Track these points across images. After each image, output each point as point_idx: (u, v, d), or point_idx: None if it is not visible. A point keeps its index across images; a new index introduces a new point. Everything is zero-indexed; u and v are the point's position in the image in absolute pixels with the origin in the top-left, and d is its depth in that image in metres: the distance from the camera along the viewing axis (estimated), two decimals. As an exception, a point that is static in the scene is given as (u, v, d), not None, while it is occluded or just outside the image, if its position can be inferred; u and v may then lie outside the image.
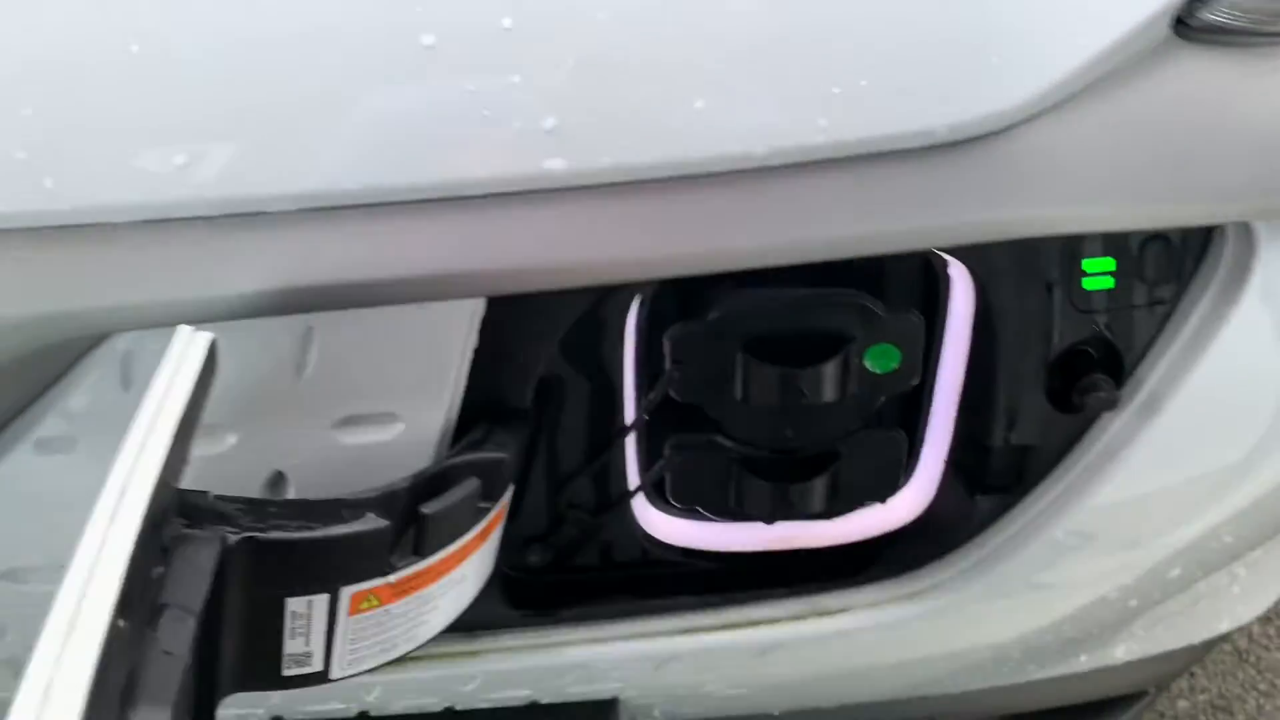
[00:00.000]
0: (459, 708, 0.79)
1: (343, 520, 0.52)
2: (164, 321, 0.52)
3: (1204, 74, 0.55)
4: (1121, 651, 0.96)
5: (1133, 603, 0.84)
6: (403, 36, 0.48)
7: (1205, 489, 0.69)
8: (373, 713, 0.79)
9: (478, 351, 0.58)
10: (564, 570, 0.72)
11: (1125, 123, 0.54)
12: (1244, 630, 1.77)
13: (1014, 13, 0.51)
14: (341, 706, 0.77)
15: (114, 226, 0.49)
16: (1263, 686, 1.71)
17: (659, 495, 0.71)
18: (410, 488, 0.55)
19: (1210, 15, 0.55)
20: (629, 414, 0.67)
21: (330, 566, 0.52)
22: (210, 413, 0.55)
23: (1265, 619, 1.78)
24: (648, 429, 0.68)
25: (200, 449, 0.57)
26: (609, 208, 0.51)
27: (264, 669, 0.54)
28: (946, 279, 0.64)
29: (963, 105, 0.51)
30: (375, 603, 0.55)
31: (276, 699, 0.75)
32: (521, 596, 0.72)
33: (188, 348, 0.47)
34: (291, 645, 0.54)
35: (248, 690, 0.55)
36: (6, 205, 0.48)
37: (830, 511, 0.70)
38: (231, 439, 0.57)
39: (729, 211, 0.52)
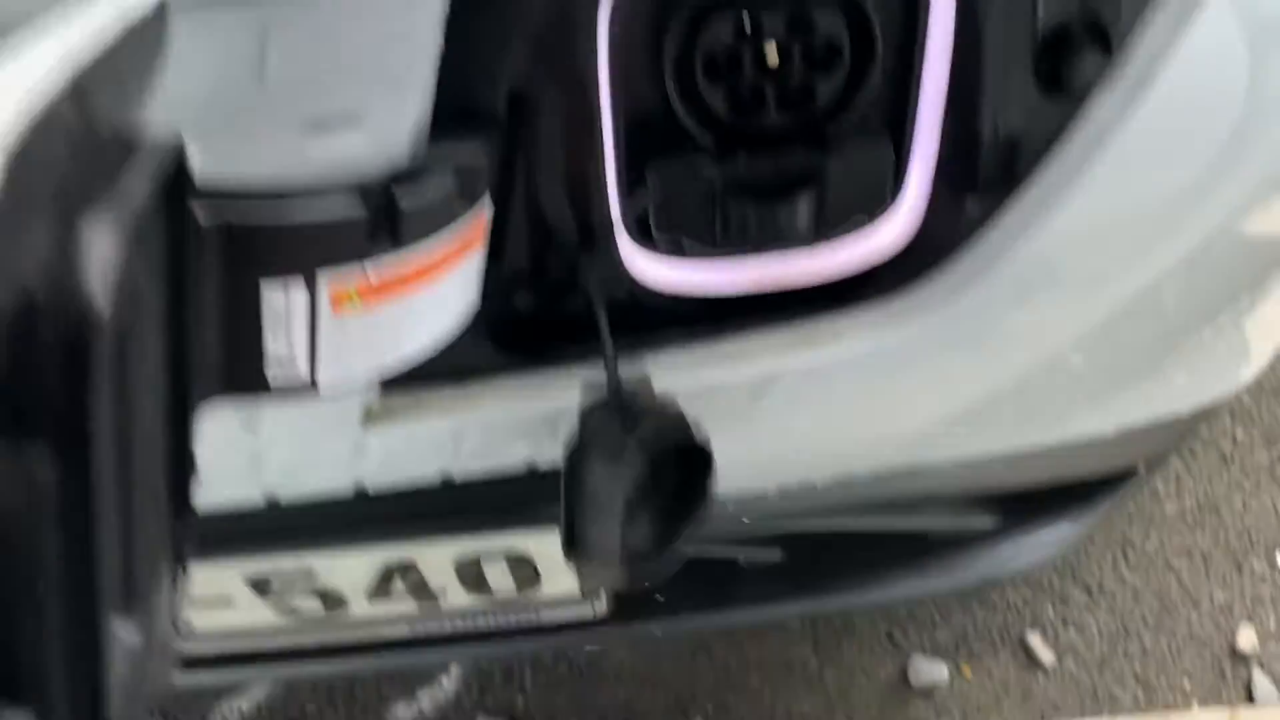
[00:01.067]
0: (457, 479, 0.79)
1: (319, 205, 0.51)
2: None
3: None
4: (1108, 420, 0.96)
5: (1103, 355, 0.83)
6: None
7: (1165, 217, 0.69)
8: (371, 488, 0.78)
9: (445, 54, 0.56)
10: (552, 313, 0.70)
11: None
12: (1227, 434, 1.80)
13: None
14: (336, 478, 0.76)
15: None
16: (1248, 486, 1.74)
17: (644, 235, 0.70)
18: (386, 181, 0.53)
19: None
20: (606, 133, 0.65)
21: (306, 247, 0.51)
22: (171, 110, 0.54)
23: (1247, 423, 1.81)
24: (628, 159, 0.67)
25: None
26: None
27: (246, 369, 0.53)
28: (927, -33, 0.62)
29: None
30: (356, 302, 0.54)
31: (271, 474, 0.75)
32: (510, 340, 0.71)
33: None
34: (274, 344, 0.53)
35: (233, 393, 0.54)
36: None
37: (818, 233, 0.68)
38: (194, 148, 0.55)
39: None
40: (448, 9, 0.54)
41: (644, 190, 0.68)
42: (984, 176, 0.66)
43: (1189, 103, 0.63)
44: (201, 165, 0.54)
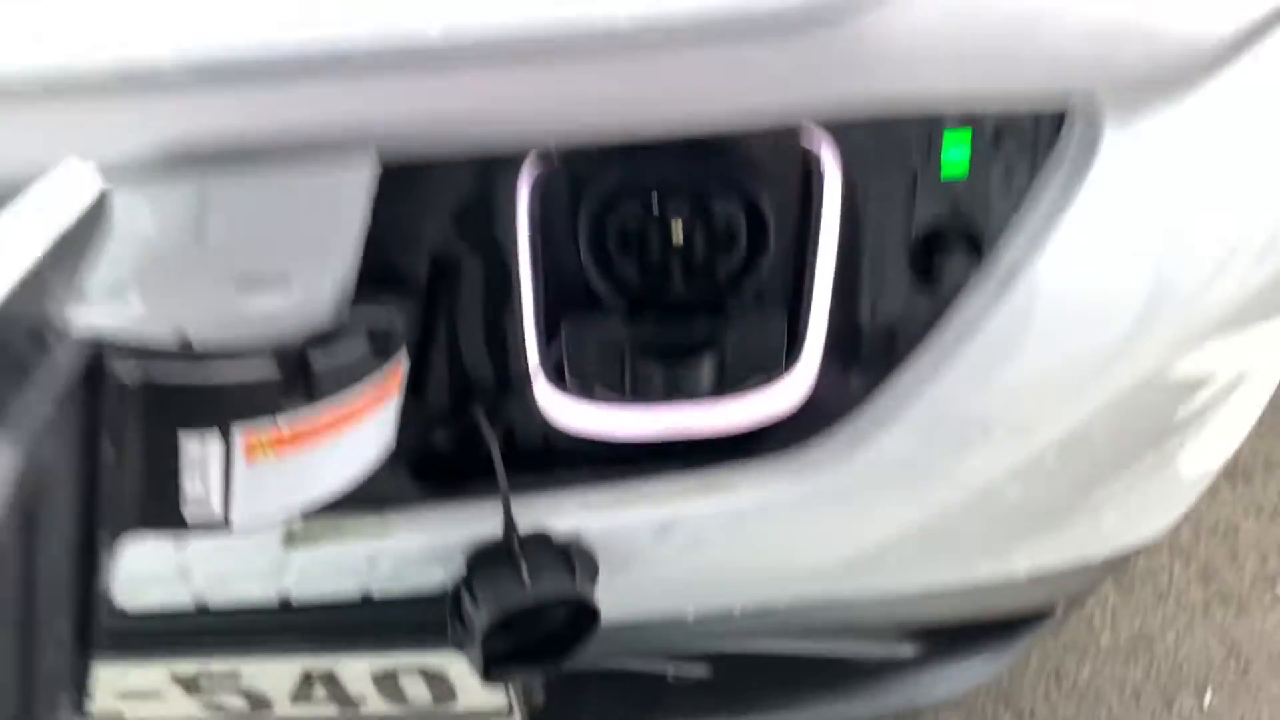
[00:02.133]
0: (376, 596, 0.83)
1: (237, 365, 0.56)
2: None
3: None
4: (1023, 562, 1.01)
5: (1014, 499, 0.88)
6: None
7: (1061, 382, 0.74)
8: (294, 600, 0.83)
9: (373, 222, 0.62)
10: (469, 449, 0.76)
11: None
12: (1165, 569, 1.84)
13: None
14: (261, 590, 0.81)
15: None
16: (1181, 623, 1.77)
17: (559, 378, 0.76)
18: (303, 343, 0.59)
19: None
20: (525, 293, 0.71)
21: (224, 406, 0.56)
22: (113, 269, 0.59)
23: (1185, 560, 1.85)
24: (546, 313, 0.72)
25: (105, 312, 0.61)
26: (483, 77, 0.55)
27: (164, 507, 0.58)
28: (819, 163, 0.69)
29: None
30: (269, 452, 0.59)
31: (199, 579, 0.79)
32: (427, 472, 0.77)
33: (70, 178, 0.49)
34: (191, 488, 0.58)
35: (150, 529, 0.58)
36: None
37: (717, 391, 0.74)
38: (135, 300, 0.61)
39: (599, 83, 0.56)
40: (375, 185, 0.61)
41: (560, 341, 0.73)
42: (866, 354, 0.72)
43: (1067, 291, 0.69)
44: (134, 318, 0.60)
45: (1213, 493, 1.92)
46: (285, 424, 0.59)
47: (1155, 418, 0.88)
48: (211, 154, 0.55)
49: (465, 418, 0.75)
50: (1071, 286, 0.69)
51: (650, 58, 0.56)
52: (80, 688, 0.51)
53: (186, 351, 0.56)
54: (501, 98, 0.56)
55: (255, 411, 0.57)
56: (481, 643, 0.73)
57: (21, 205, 0.45)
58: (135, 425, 0.54)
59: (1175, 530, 1.96)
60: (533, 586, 0.73)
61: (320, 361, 0.58)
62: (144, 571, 0.78)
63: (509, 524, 0.74)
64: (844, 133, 0.66)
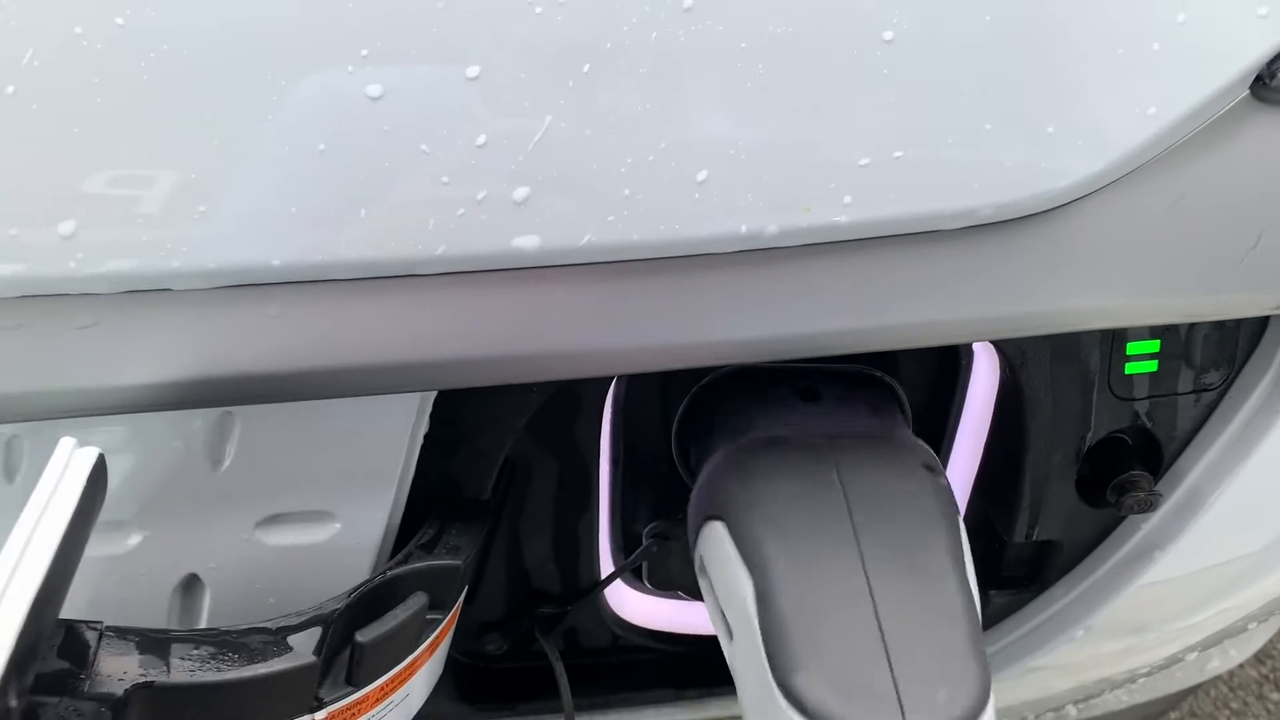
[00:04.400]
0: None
1: (261, 654, 0.44)
2: (47, 414, 0.43)
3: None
4: (1122, 698, 0.92)
5: (1143, 673, 0.78)
6: (345, 85, 0.39)
7: (1233, 581, 0.63)
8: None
9: (429, 436, 0.49)
10: (524, 658, 0.64)
11: (1195, 196, 0.46)
12: (1219, 648, 1.74)
13: (1076, 76, 0.43)
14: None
15: (-16, 303, 0.40)
16: (1235, 705, 1.67)
17: (635, 577, 0.64)
18: (345, 607, 0.46)
19: (1295, 75, 0.47)
20: (603, 495, 0.59)
21: (246, 709, 0.44)
22: (113, 509, 0.47)
23: (1240, 638, 1.75)
24: (623, 510, 0.60)
25: (104, 548, 0.48)
26: (589, 292, 0.43)
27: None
28: (969, 352, 0.56)
29: (1013, 182, 0.43)
30: (302, 742, 0.47)
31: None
32: (476, 688, 0.64)
33: (69, 464, 0.38)
34: (202, 793, 0.46)
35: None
36: None
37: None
38: (137, 537, 0.48)
39: (731, 300, 0.44)
40: (431, 404, 0.48)
41: (640, 549, 0.61)
42: (1010, 574, 0.60)
43: (1257, 512, 0.58)
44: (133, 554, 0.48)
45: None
46: (325, 712, 0.47)
47: None
48: (237, 385, 0.43)
49: (522, 627, 0.62)
50: (1263, 502, 0.57)
51: (800, 267, 0.44)
52: None
53: (199, 641, 0.43)
54: (612, 321, 0.44)
55: (286, 709, 0.45)
56: None
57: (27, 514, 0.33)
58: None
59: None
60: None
61: (369, 639, 0.46)
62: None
63: (573, 749, 0.61)
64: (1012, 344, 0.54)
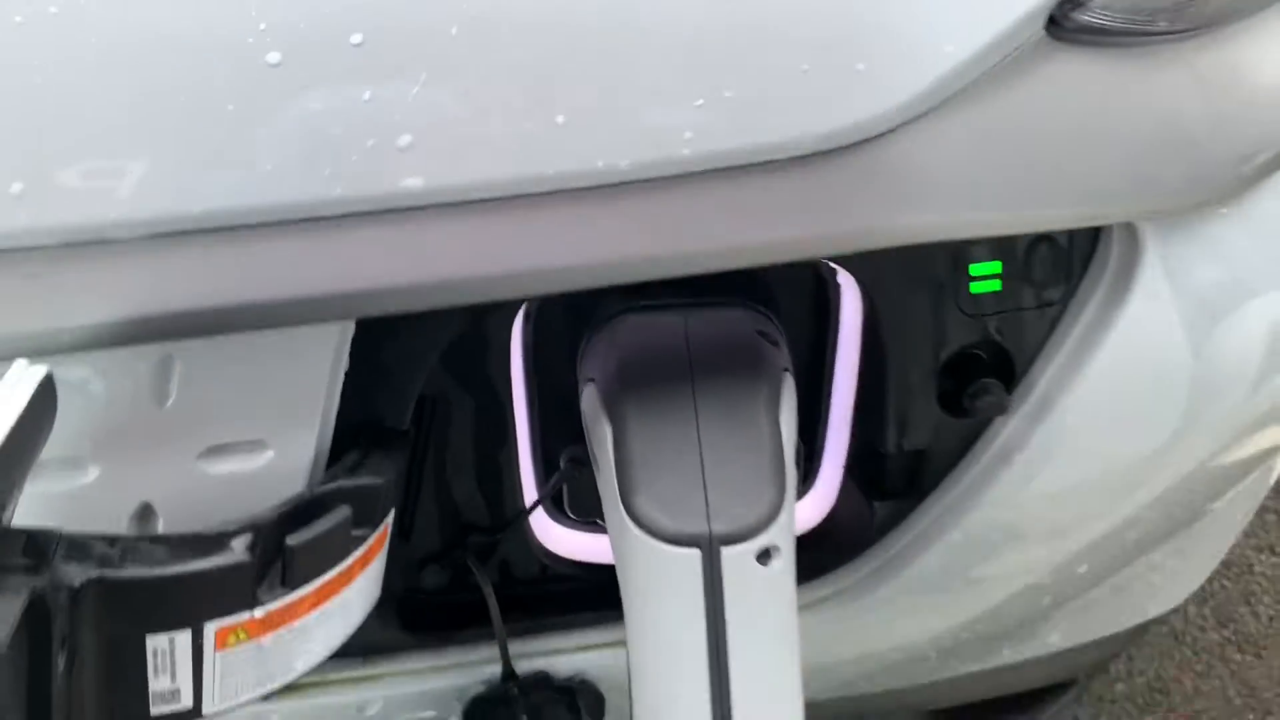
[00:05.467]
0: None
1: (203, 553, 0.50)
2: (12, 355, 0.50)
3: (1080, 75, 0.54)
4: (1049, 641, 0.96)
5: (1045, 600, 0.84)
6: (248, 53, 0.46)
7: (1100, 488, 0.69)
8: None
9: (350, 373, 0.56)
10: (460, 590, 0.70)
11: (1000, 126, 0.53)
12: (1179, 612, 1.79)
13: (880, 18, 0.50)
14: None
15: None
16: (1199, 667, 1.72)
17: (557, 508, 0.70)
18: (277, 518, 0.53)
19: (1084, 16, 0.54)
20: (520, 427, 0.65)
21: (190, 602, 0.50)
22: (69, 445, 0.54)
23: (1200, 599, 1.81)
24: (542, 440, 0.67)
25: (62, 483, 0.55)
26: (471, 225, 0.50)
27: (129, 708, 0.52)
28: (836, 287, 0.63)
29: (830, 114, 0.50)
30: (243, 637, 0.53)
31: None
32: (418, 618, 0.71)
33: (19, 379, 0.45)
34: (157, 683, 0.52)
35: (114, 730, 0.53)
36: None
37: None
38: (94, 471, 0.55)
39: (597, 227, 0.51)
40: (349, 342, 0.55)
41: (559, 474, 0.68)
42: (890, 485, 0.67)
43: (1102, 413, 0.64)
44: (92, 490, 0.55)
45: (1224, 531, 1.88)
46: (262, 610, 0.53)
47: (1192, 508, 0.84)
48: (172, 321, 0.49)
49: (457, 559, 0.69)
50: (1109, 407, 0.64)
51: (655, 199, 0.51)
52: None
53: (145, 542, 0.50)
54: (491, 249, 0.50)
55: (226, 604, 0.52)
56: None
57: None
58: (94, 629, 0.48)
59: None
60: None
61: (298, 538, 0.53)
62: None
63: (507, 668, 0.68)
64: (863, 256, 0.61)
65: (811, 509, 0.72)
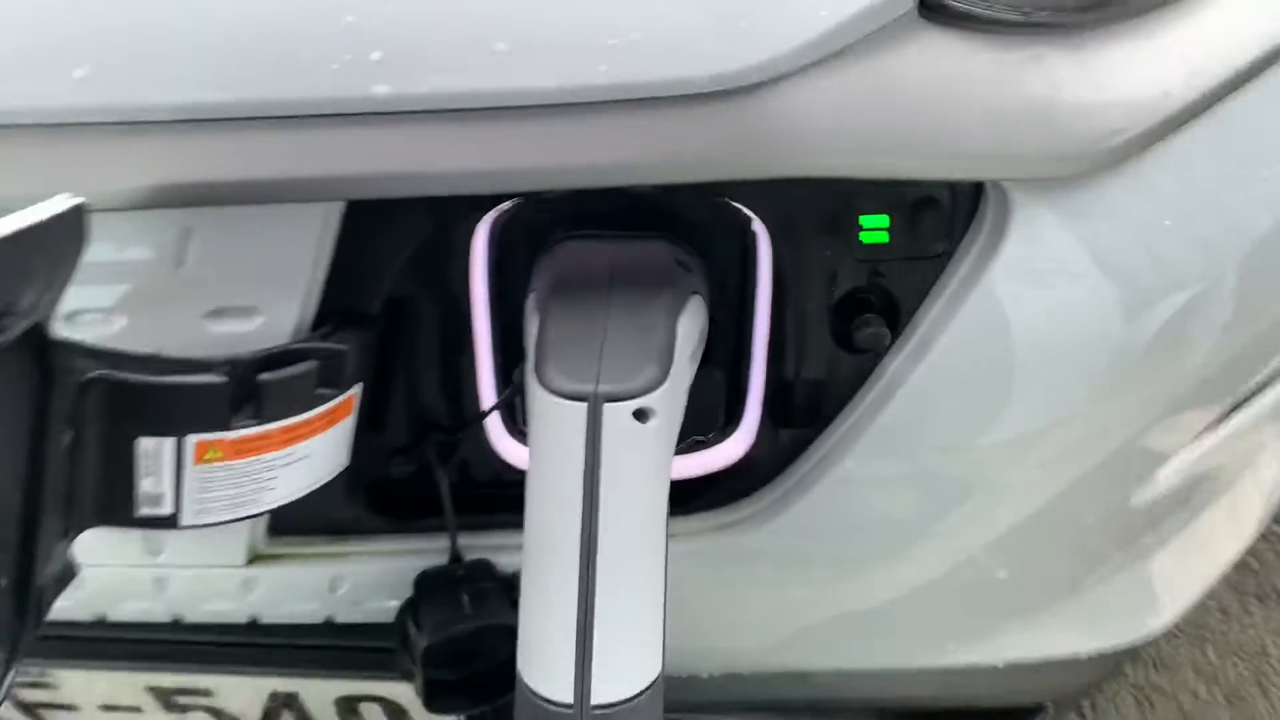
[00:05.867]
0: (339, 620, 0.89)
1: (189, 372, 0.63)
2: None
3: (945, 51, 0.65)
4: (1001, 647, 1.01)
5: (971, 580, 0.90)
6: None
7: (978, 444, 0.77)
8: (262, 620, 0.89)
9: (333, 259, 0.69)
10: (424, 484, 0.81)
11: (869, 86, 0.64)
12: (1188, 689, 1.79)
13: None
14: (231, 607, 0.86)
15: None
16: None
17: (511, 421, 0.81)
18: (254, 359, 0.65)
19: (950, 3, 0.66)
20: (481, 335, 0.77)
21: (175, 411, 0.63)
22: (103, 298, 0.67)
23: (1210, 679, 1.80)
24: (501, 356, 0.78)
25: (94, 330, 0.68)
26: (429, 129, 0.63)
27: (118, 504, 0.64)
28: (753, 236, 0.74)
29: (717, 60, 0.62)
30: (218, 454, 0.65)
31: (173, 592, 0.85)
32: (386, 505, 0.82)
33: (53, 203, 0.57)
34: (144, 485, 0.64)
35: (104, 524, 0.65)
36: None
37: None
38: (120, 322, 0.68)
39: (528, 138, 0.63)
40: (339, 230, 0.68)
41: (511, 387, 0.79)
42: (794, 416, 0.77)
43: (976, 357, 0.73)
44: (114, 338, 0.68)
45: (1241, 614, 1.88)
46: (234, 433, 0.65)
47: (1109, 500, 0.90)
48: (193, 193, 0.63)
49: (421, 454, 0.80)
50: (979, 352, 0.73)
51: (581, 119, 0.63)
52: (14, 649, 0.57)
53: (145, 358, 0.63)
54: (445, 150, 0.63)
55: (206, 419, 0.64)
56: (422, 665, 0.78)
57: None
58: (94, 421, 0.61)
59: (1200, 650, 1.89)
60: (472, 612, 0.77)
61: (269, 378, 0.65)
62: (122, 584, 0.84)
63: (454, 552, 0.79)
64: (772, 207, 0.72)
65: (736, 445, 0.81)
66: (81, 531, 0.64)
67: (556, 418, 0.61)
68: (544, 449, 0.62)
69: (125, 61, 0.61)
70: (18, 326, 0.51)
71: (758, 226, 0.73)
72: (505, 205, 0.73)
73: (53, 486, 0.58)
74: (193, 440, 0.64)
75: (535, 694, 0.60)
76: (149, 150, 0.62)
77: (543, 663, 0.60)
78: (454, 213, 0.72)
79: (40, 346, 0.56)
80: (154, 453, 0.64)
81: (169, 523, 0.66)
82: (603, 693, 0.59)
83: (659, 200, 0.73)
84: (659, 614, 0.62)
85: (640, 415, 0.61)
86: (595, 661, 0.58)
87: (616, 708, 0.59)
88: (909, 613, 0.95)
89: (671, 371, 0.63)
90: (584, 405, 0.60)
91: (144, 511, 0.65)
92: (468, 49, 0.61)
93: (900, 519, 0.82)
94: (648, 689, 0.60)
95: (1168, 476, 0.92)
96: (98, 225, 0.65)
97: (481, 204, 0.73)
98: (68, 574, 0.65)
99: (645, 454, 0.61)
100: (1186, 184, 0.71)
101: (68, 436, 0.59)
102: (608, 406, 0.60)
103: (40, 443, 0.56)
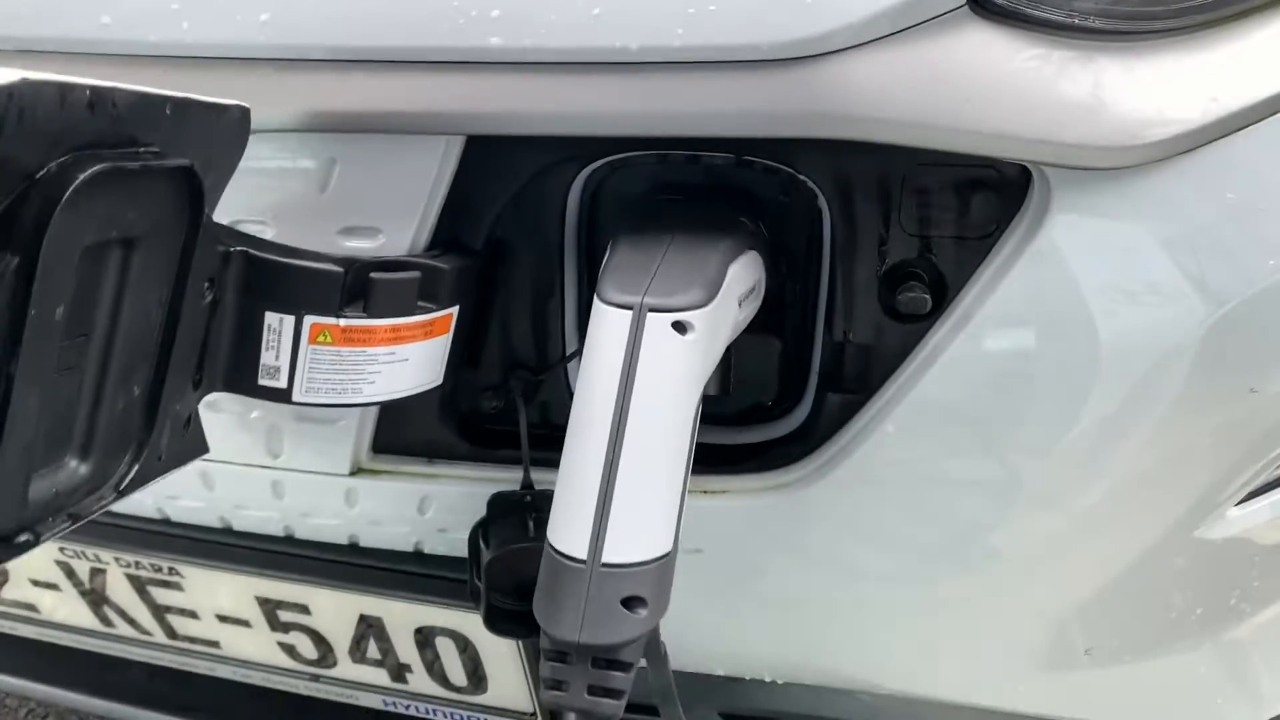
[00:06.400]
0: (425, 550, 0.98)
1: (313, 260, 0.75)
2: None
3: (990, 43, 0.73)
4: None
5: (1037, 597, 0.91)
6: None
7: (1017, 434, 0.81)
8: (360, 542, 0.99)
9: (447, 198, 0.81)
10: (510, 419, 0.91)
11: (920, 66, 0.72)
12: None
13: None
14: (335, 524, 0.97)
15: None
16: None
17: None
18: (369, 261, 0.77)
19: (999, 1, 0.74)
20: (569, 288, 0.87)
21: (298, 291, 0.75)
22: (262, 212, 0.81)
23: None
24: (588, 302, 0.88)
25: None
26: (531, 76, 0.74)
27: (244, 372, 0.76)
28: (818, 210, 0.82)
29: (779, 32, 0.71)
30: (329, 339, 0.77)
31: (287, 501, 0.97)
32: (474, 435, 0.92)
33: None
34: (266, 356, 0.77)
35: (230, 390, 0.77)
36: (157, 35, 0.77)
37: (722, 391, 0.86)
38: (272, 231, 0.82)
39: (613, 90, 0.74)
40: (454, 170, 0.80)
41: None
42: (846, 381, 0.83)
43: (1014, 333, 0.78)
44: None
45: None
46: (345, 321, 0.77)
47: (1167, 535, 0.90)
48: (342, 119, 0.76)
49: (508, 391, 0.90)
50: (1017, 329, 0.78)
51: (660, 75, 0.73)
52: (138, 451, 0.68)
53: (279, 245, 0.75)
54: (543, 95, 0.74)
55: (323, 304, 0.76)
56: (486, 579, 0.86)
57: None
58: (232, 289, 0.74)
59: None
60: (534, 535, 0.85)
61: (378, 275, 0.77)
62: (245, 490, 0.97)
63: (526, 479, 0.87)
64: (835, 182, 0.80)
65: (799, 413, 0.88)
66: (211, 391, 0.76)
67: (606, 323, 0.70)
68: (593, 348, 0.70)
69: (301, 8, 0.76)
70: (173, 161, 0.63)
71: (821, 202, 0.82)
72: (597, 165, 0.84)
73: (189, 332, 0.70)
74: (310, 320, 0.76)
75: (556, 549, 0.67)
76: (310, 82, 0.76)
77: (566, 524, 0.67)
78: (554, 167, 0.84)
79: (195, 203, 0.68)
80: (277, 328, 0.76)
81: (283, 395, 0.78)
82: (613, 553, 0.66)
83: (732, 171, 0.82)
84: (674, 502, 0.69)
85: (679, 327, 0.69)
86: (610, 527, 0.66)
87: (623, 568, 0.66)
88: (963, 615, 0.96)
89: (716, 299, 0.71)
90: (630, 313, 0.69)
91: (264, 381, 0.77)
92: (568, 9, 0.73)
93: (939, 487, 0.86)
94: (654, 561, 0.67)
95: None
96: (266, 150, 0.79)
97: (579, 162, 0.84)
98: (197, 434, 0.77)
99: (679, 362, 0.69)
100: (1224, 190, 0.75)
101: (209, 296, 0.72)
102: (651, 316, 0.69)
103: (183, 285, 0.68)
